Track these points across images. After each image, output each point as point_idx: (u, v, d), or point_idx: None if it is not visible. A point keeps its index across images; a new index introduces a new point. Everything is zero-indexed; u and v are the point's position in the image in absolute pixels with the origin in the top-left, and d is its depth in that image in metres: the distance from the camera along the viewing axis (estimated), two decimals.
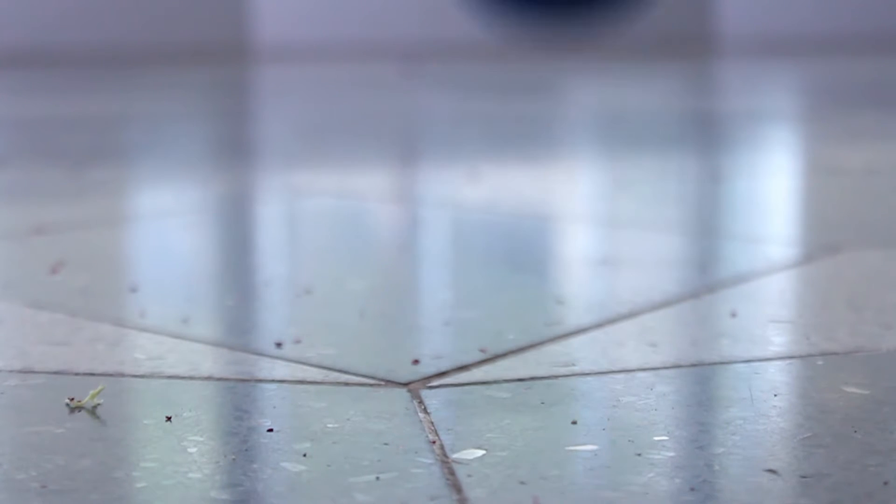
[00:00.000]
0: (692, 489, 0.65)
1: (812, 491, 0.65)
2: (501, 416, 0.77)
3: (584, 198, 1.85)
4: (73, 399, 0.80)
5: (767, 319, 1.02)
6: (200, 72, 4.83)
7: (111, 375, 0.87)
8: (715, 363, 0.89)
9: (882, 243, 1.37)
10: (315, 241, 1.49)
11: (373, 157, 2.24)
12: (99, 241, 1.44)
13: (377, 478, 0.67)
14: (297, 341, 0.95)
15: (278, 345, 0.94)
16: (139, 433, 0.76)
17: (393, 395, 0.82)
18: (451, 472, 0.68)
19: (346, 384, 0.85)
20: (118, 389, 0.84)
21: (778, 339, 0.96)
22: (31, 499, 0.64)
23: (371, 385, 0.84)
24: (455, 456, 0.70)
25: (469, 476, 0.67)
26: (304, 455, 0.70)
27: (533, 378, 0.86)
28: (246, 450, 0.72)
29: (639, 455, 0.70)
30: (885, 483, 0.66)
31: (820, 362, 0.90)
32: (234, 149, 2.45)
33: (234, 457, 0.70)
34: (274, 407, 0.81)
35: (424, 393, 0.82)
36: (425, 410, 0.79)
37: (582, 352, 0.93)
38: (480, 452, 0.71)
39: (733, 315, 1.03)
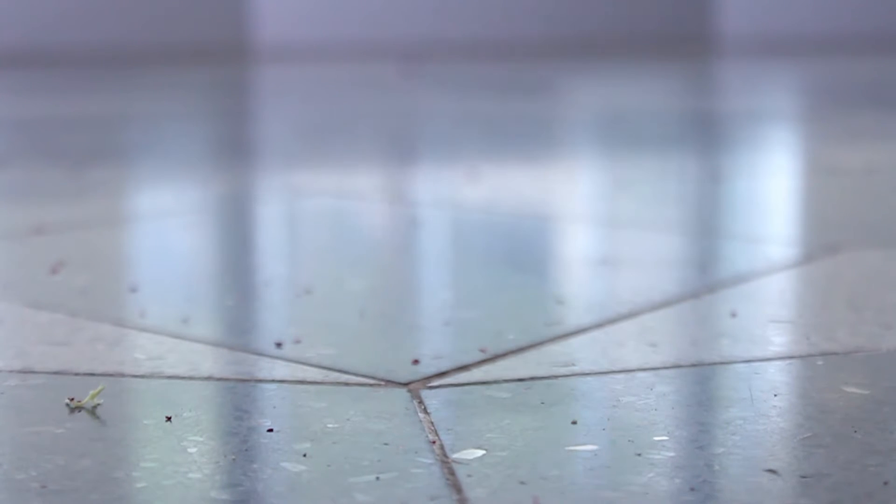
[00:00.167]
0: (692, 489, 0.65)
1: (812, 491, 0.65)
2: (501, 416, 0.77)
3: (584, 198, 1.85)
4: (73, 399, 0.80)
5: (767, 319, 1.02)
6: (200, 72, 4.83)
7: (111, 375, 0.87)
8: (715, 363, 0.89)
9: (882, 243, 1.37)
10: (315, 241, 1.49)
11: (373, 157, 2.24)
12: (99, 241, 1.44)
13: (377, 478, 0.67)
14: (297, 341, 0.95)
15: (278, 345, 0.94)
16: (139, 433, 0.76)
17: (393, 395, 0.82)
18: (451, 472, 0.68)
19: (346, 384, 0.85)
20: (118, 389, 0.84)
21: (778, 339, 0.96)
22: (31, 499, 0.64)
23: (371, 385, 0.84)
24: (455, 456, 0.70)
25: (469, 476, 0.67)
26: (304, 455, 0.70)
27: (533, 378, 0.86)
28: (246, 450, 0.72)
29: (639, 455, 0.70)
30: (885, 483, 0.66)
31: (820, 362, 0.90)
32: (234, 149, 2.45)
33: (234, 457, 0.70)
34: (274, 407, 0.81)
35: (424, 393, 0.82)
36: (425, 410, 0.79)
37: (582, 352, 0.93)
38: (480, 452, 0.71)
39: (733, 315, 1.03)
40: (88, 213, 1.61)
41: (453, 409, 0.80)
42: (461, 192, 1.76)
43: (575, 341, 0.96)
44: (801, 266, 1.26)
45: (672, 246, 1.38)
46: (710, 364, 0.89)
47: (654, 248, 1.35)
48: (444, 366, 0.89)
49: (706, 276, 1.20)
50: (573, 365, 0.89)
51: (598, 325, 1.00)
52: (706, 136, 2.62)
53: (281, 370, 0.88)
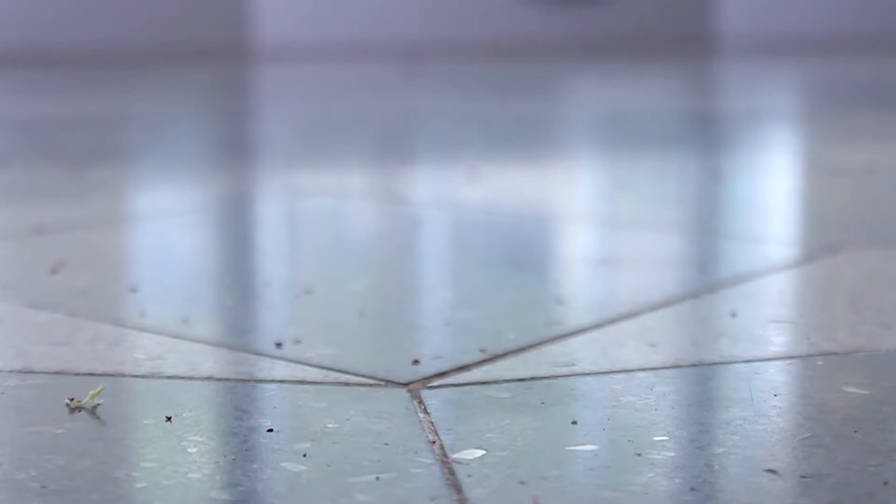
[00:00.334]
0: (692, 489, 0.65)
1: (812, 491, 0.65)
2: (501, 416, 0.77)
3: (584, 198, 1.85)
4: (73, 399, 0.80)
5: (767, 319, 1.02)
6: (200, 72, 4.83)
7: (111, 375, 0.87)
8: (715, 363, 0.89)
9: (882, 243, 1.37)
10: (315, 241, 1.49)
11: (373, 157, 2.24)
12: (99, 241, 1.44)
13: (377, 478, 0.67)
14: (297, 341, 0.95)
15: (278, 345, 0.94)
16: (139, 433, 0.76)
17: (393, 395, 0.82)
18: (451, 472, 0.68)
19: (346, 384, 0.85)
20: (118, 389, 0.84)
21: (778, 339, 0.96)
22: (31, 499, 0.64)
23: (371, 385, 0.84)
24: (455, 456, 0.70)
25: (469, 476, 0.67)
26: (304, 455, 0.70)
27: (533, 378, 0.86)
28: (246, 450, 0.72)
29: (639, 455, 0.70)
30: (885, 483, 0.66)
31: (820, 362, 0.90)
32: (234, 149, 2.45)
33: (234, 457, 0.70)
34: (274, 407, 0.81)
35: (424, 393, 0.82)
36: (425, 410, 0.79)
37: (582, 352, 0.93)
38: (480, 452, 0.71)
39: (733, 315, 1.03)
40: (88, 213, 1.61)
41: (453, 409, 0.80)
42: (461, 192, 1.76)
43: (575, 341, 0.96)
44: (801, 266, 1.26)
45: (672, 246, 1.38)
46: (710, 364, 0.89)
47: (654, 248, 1.35)
48: (444, 366, 0.89)
49: (706, 276, 1.20)
50: (573, 365, 0.89)
51: (598, 325, 1.00)
52: (706, 136, 2.62)
53: (281, 370, 0.88)
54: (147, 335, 0.98)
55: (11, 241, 1.42)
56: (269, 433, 0.74)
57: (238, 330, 1.04)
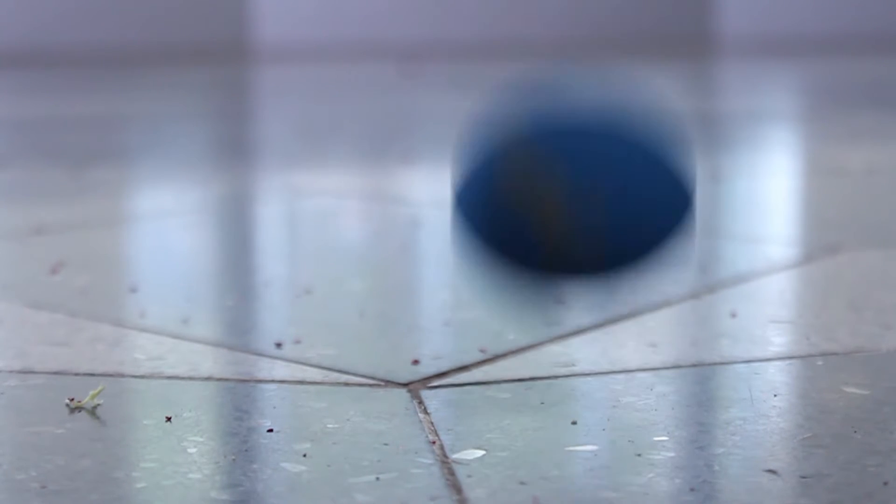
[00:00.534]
0: (692, 489, 0.65)
1: (812, 491, 0.65)
2: (501, 416, 0.77)
3: None
4: (73, 399, 0.80)
5: (767, 319, 1.02)
6: (200, 72, 4.83)
7: (111, 376, 0.87)
8: (715, 363, 0.89)
9: (882, 243, 1.37)
10: (315, 241, 1.49)
11: (372, 157, 2.24)
12: (99, 241, 1.44)
13: (377, 478, 0.67)
14: (297, 341, 0.95)
15: (278, 345, 0.94)
16: (139, 433, 0.76)
17: (393, 395, 0.82)
18: (451, 473, 0.68)
19: (346, 384, 0.85)
20: (118, 390, 0.84)
21: (778, 340, 0.96)
22: (31, 499, 0.64)
23: (371, 385, 0.84)
24: (455, 456, 0.70)
25: (469, 476, 0.67)
26: (304, 455, 0.70)
27: (533, 378, 0.86)
28: (246, 450, 0.72)
29: (639, 455, 0.70)
30: (885, 483, 0.66)
31: (820, 362, 0.90)
32: (234, 149, 2.45)
33: (233, 457, 0.70)
34: (274, 407, 0.81)
35: (424, 393, 0.82)
36: (425, 411, 0.79)
37: (582, 352, 0.93)
38: (480, 453, 0.71)
39: (733, 315, 1.03)
40: (88, 213, 1.61)
41: (453, 409, 0.80)
42: None
43: (575, 341, 0.96)
44: (801, 266, 1.26)
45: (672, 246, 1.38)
46: (710, 364, 0.89)
47: None
48: (443, 366, 0.89)
49: (706, 276, 1.20)
50: (573, 365, 0.89)
51: (598, 326, 1.00)
52: (706, 136, 2.62)
53: (281, 370, 0.88)
54: (147, 335, 0.98)
55: (11, 241, 1.42)
56: (269, 433, 0.74)
57: (238, 330, 1.04)
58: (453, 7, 6.51)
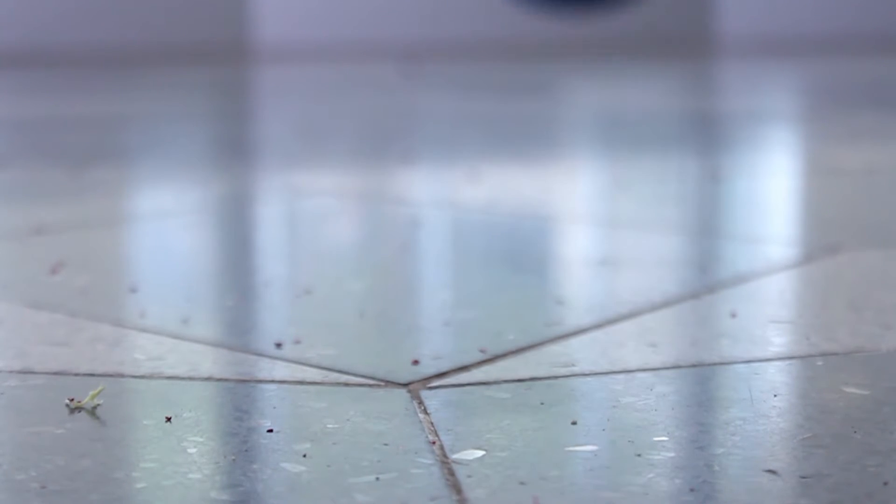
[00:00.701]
0: (692, 490, 0.65)
1: (812, 491, 0.65)
2: (501, 416, 0.77)
3: (583, 198, 1.85)
4: (73, 399, 0.80)
5: (767, 320, 1.02)
6: (200, 72, 4.83)
7: (111, 376, 0.87)
8: (715, 363, 0.89)
9: (882, 243, 1.37)
10: (315, 241, 1.49)
11: (372, 157, 2.23)
12: (99, 241, 1.44)
13: (377, 478, 0.67)
14: (297, 342, 0.95)
15: (278, 345, 0.94)
16: (139, 434, 0.76)
17: (393, 395, 0.82)
18: (451, 473, 0.68)
19: (346, 384, 0.85)
20: (118, 390, 0.84)
21: (778, 340, 0.96)
22: (31, 499, 0.64)
23: (371, 385, 0.84)
24: (455, 456, 0.70)
25: (469, 476, 0.67)
26: (304, 456, 0.70)
27: (533, 378, 0.86)
28: (246, 450, 0.72)
29: (638, 455, 0.70)
30: (885, 483, 0.66)
31: (820, 362, 0.90)
32: (234, 149, 2.45)
33: (233, 457, 0.70)
34: (274, 407, 0.81)
35: (424, 393, 0.82)
36: (425, 411, 0.79)
37: (582, 352, 0.93)
38: (480, 453, 0.71)
39: (733, 315, 1.03)
40: (88, 213, 1.61)
41: (453, 409, 0.80)
42: (461, 192, 1.76)
43: (575, 341, 0.96)
44: (801, 266, 1.26)
45: (672, 246, 1.38)
46: (710, 364, 0.89)
47: (654, 249, 1.35)
48: (443, 366, 0.89)
49: (706, 277, 1.20)
50: (573, 365, 0.89)
51: (598, 326, 1.00)
52: (706, 136, 2.62)
53: (281, 370, 0.88)
54: (147, 335, 0.98)
55: (11, 241, 1.42)
56: (268, 433, 0.74)
57: (238, 330, 1.04)
58: (453, 7, 6.51)
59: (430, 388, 0.84)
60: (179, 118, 3.02)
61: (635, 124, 2.80)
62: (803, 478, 0.67)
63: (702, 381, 0.87)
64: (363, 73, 4.75)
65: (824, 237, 1.42)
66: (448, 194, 1.78)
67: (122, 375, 0.87)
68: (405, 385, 0.84)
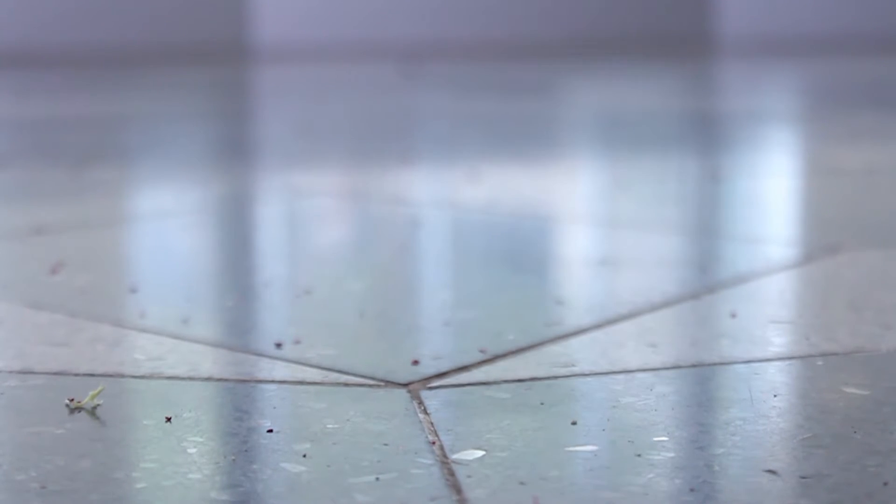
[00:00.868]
0: (692, 490, 0.65)
1: (812, 491, 0.65)
2: (501, 416, 0.77)
3: (583, 198, 1.85)
4: (72, 399, 0.80)
5: (767, 320, 1.02)
6: (200, 72, 4.83)
7: (111, 376, 0.87)
8: (715, 364, 0.89)
9: (882, 243, 1.37)
10: (315, 241, 1.49)
11: (372, 157, 2.24)
12: (99, 241, 1.44)
13: (377, 478, 0.67)
14: (297, 342, 0.95)
15: (278, 345, 0.94)
16: (139, 434, 0.76)
17: (393, 395, 0.82)
18: (451, 473, 0.68)
19: (346, 385, 0.85)
20: (118, 390, 0.84)
21: (778, 340, 0.96)
22: (31, 499, 0.64)
23: (371, 385, 0.84)
24: (455, 456, 0.70)
25: (469, 477, 0.67)
26: (304, 456, 0.70)
27: (533, 379, 0.86)
28: (246, 450, 0.72)
29: (638, 456, 0.70)
30: (885, 483, 0.66)
31: (820, 363, 0.90)
32: (234, 149, 2.45)
33: (233, 457, 0.70)
34: (274, 408, 0.81)
35: (424, 393, 0.82)
36: (425, 411, 0.79)
37: (582, 352, 0.93)
38: (480, 453, 0.71)
39: (733, 315, 1.03)
40: (88, 213, 1.61)
41: (453, 409, 0.80)
42: (461, 192, 1.76)
43: (575, 342, 0.96)
44: (801, 266, 1.26)
45: (672, 246, 1.38)
46: (709, 365, 0.89)
47: (654, 249, 1.35)
48: (443, 366, 0.89)
49: (706, 277, 1.20)
50: (573, 365, 0.89)
51: (598, 326, 1.00)
52: (706, 136, 2.62)
53: (281, 371, 0.88)
54: (147, 336, 0.98)
55: (11, 241, 1.42)
56: (268, 434, 0.74)
57: (238, 330, 1.04)
58: (453, 7, 6.51)
59: (430, 388, 0.84)
60: (179, 118, 3.02)
61: (635, 124, 2.80)
62: (803, 478, 0.67)
63: (702, 381, 0.87)
64: (363, 73, 4.75)
65: (824, 237, 1.42)
66: (448, 194, 1.78)
67: (122, 375, 0.87)
68: (405, 385, 0.84)
